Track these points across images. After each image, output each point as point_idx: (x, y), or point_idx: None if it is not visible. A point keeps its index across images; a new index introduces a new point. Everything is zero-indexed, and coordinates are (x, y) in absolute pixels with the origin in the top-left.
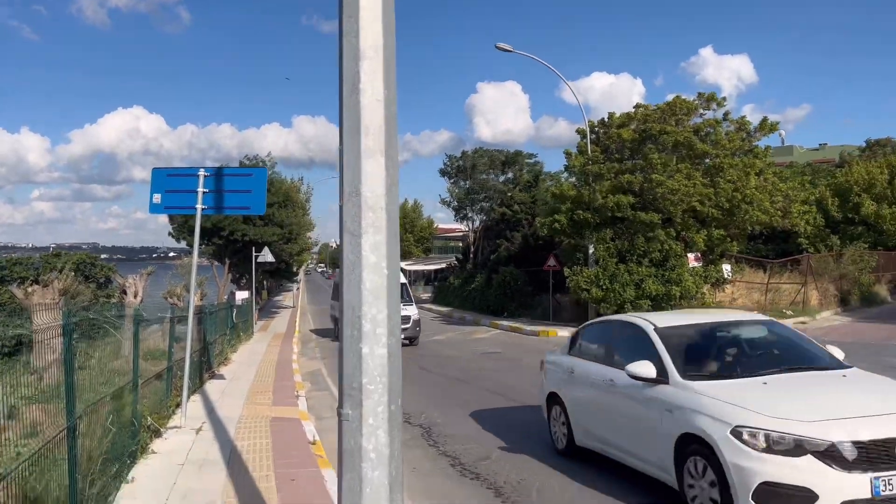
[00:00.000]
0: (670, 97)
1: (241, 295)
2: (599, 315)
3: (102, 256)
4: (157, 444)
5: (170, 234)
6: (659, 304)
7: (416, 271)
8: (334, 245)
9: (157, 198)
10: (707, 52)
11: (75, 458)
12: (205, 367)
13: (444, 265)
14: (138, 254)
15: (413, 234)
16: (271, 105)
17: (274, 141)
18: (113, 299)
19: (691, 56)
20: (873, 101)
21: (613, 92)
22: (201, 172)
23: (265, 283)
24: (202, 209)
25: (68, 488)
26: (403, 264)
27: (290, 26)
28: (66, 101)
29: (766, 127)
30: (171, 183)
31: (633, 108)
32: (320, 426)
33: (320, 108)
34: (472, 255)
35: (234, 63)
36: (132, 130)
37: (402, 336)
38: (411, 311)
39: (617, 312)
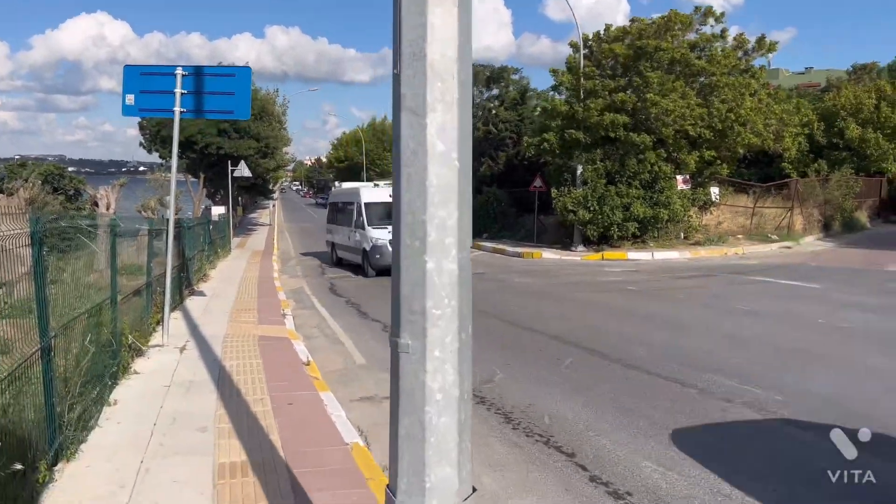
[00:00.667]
0: (667, 12)
1: (217, 210)
2: (586, 238)
3: (70, 169)
4: (139, 364)
5: (141, 144)
6: (645, 226)
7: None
8: (309, 163)
9: (129, 98)
10: None
11: (51, 380)
12: (184, 283)
13: None
14: (107, 167)
15: (390, 151)
16: (242, 13)
17: (246, 52)
18: (84, 212)
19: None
20: (857, 26)
21: (599, 9)
22: (179, 71)
23: (241, 199)
24: (181, 112)
25: (45, 413)
26: (381, 183)
27: None
28: (25, 3)
29: (765, 45)
30: (145, 83)
31: (629, 21)
32: (311, 346)
33: (294, 18)
34: None
35: None
36: (97, 38)
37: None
38: None
39: (603, 235)
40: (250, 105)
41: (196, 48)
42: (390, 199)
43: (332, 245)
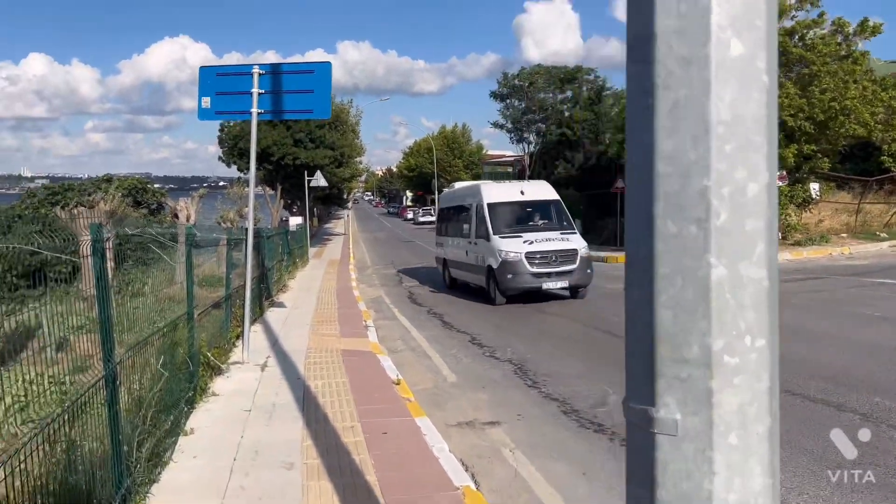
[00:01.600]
0: None
1: (295, 220)
2: None
3: (155, 185)
4: (218, 384)
5: (220, 158)
6: None
7: None
8: (380, 173)
9: (206, 101)
10: None
11: (117, 414)
12: (264, 294)
13: None
14: (190, 183)
15: (462, 159)
16: (315, 31)
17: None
18: (165, 224)
19: None
20: None
21: None
22: (256, 70)
23: (316, 210)
24: (258, 113)
25: (111, 453)
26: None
27: None
28: (115, 31)
29: (868, 29)
30: (221, 84)
31: None
32: (397, 360)
33: (364, 34)
34: (527, 179)
35: None
36: (179, 60)
37: (565, 282)
38: (577, 242)
39: None
40: (330, 103)
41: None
42: (523, 198)
43: (444, 262)
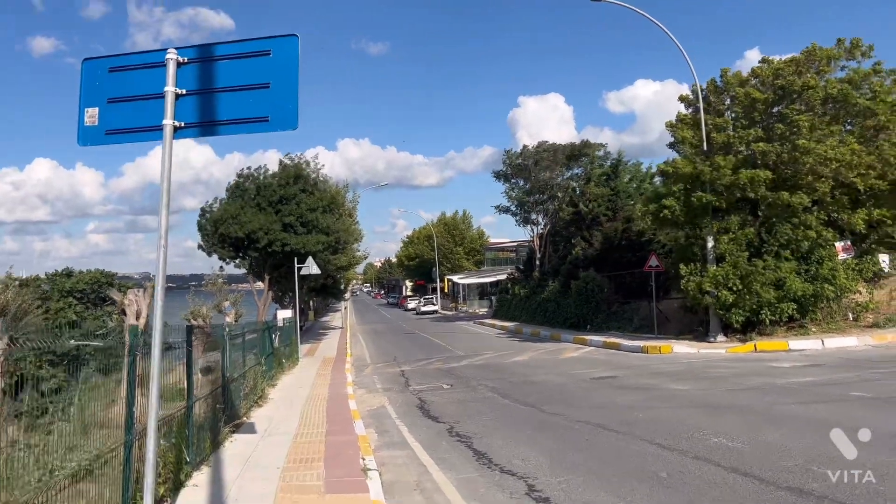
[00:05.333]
0: (807, 46)
1: (284, 314)
2: (726, 325)
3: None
4: None
5: (199, 246)
6: (805, 307)
7: (469, 285)
8: (379, 264)
9: (90, 115)
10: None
11: None
12: (221, 416)
13: (500, 277)
14: (189, 281)
15: (463, 246)
16: (316, 131)
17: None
18: (106, 320)
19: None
20: None
21: (659, 100)
22: (172, 56)
23: (311, 302)
24: (175, 127)
25: None
26: (455, 278)
27: (340, 50)
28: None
29: None
30: (117, 84)
31: (759, 62)
32: None
33: (363, 131)
34: (537, 263)
35: None
36: (182, 162)
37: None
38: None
39: (749, 320)
40: (297, 104)
41: (273, 164)
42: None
43: None
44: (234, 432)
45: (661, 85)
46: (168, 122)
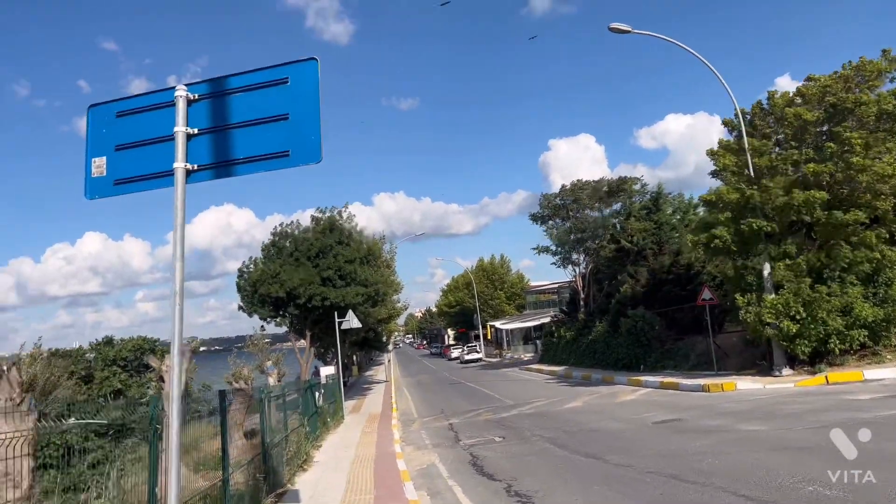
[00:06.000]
0: (855, 61)
1: (326, 371)
2: (790, 357)
3: (202, 349)
4: None
5: (240, 307)
6: (877, 333)
7: (512, 330)
8: (420, 315)
9: (98, 165)
10: (784, 81)
11: None
12: (263, 486)
13: (544, 320)
14: (234, 343)
15: (503, 290)
16: (351, 189)
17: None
18: (148, 389)
19: (768, 87)
20: None
21: (692, 133)
22: (181, 93)
23: (355, 357)
24: (188, 170)
25: None
26: (497, 323)
27: (371, 107)
28: (163, 205)
29: None
30: (125, 129)
31: (805, 80)
32: None
33: (398, 185)
34: (582, 303)
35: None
36: (224, 227)
37: None
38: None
39: (816, 350)
40: (320, 135)
41: (309, 221)
42: None
43: None
44: (277, 502)
45: (693, 118)
46: (179, 165)
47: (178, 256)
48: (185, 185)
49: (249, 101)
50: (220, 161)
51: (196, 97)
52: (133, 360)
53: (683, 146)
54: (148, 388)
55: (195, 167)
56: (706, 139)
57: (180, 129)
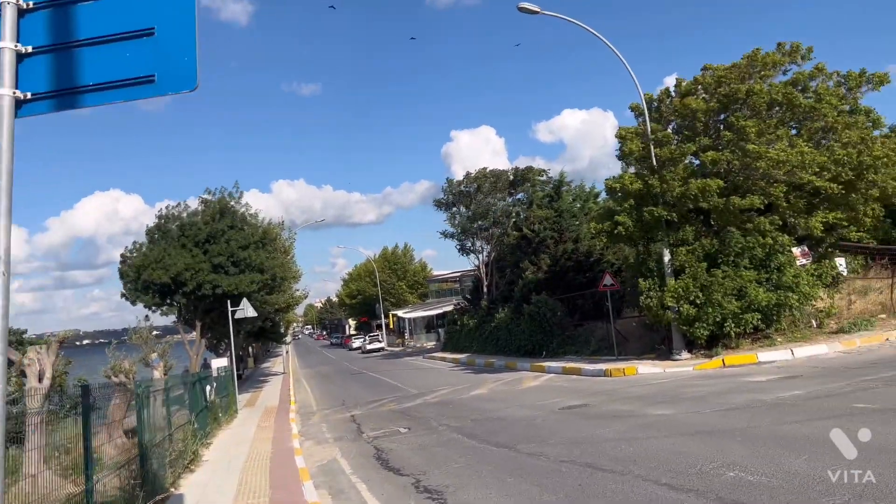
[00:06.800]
0: (749, 51)
1: (218, 363)
2: (689, 341)
3: (85, 342)
4: None
5: (122, 295)
6: (769, 317)
7: (415, 319)
8: (320, 304)
9: None
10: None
11: None
12: (139, 493)
13: (447, 309)
14: (121, 335)
15: (406, 280)
16: (248, 173)
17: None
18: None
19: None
20: None
21: (587, 128)
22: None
23: (250, 348)
24: (17, 99)
25: None
26: (400, 312)
27: (271, 92)
28: (42, 189)
29: (874, 79)
30: None
31: (701, 70)
32: None
33: (298, 172)
34: (485, 291)
35: (210, 133)
36: (110, 213)
37: None
38: None
39: (714, 334)
40: (195, 56)
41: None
42: None
43: None
44: None
45: (588, 113)
46: (6, 91)
47: (4, 212)
48: (14, 119)
49: (104, 11)
50: (63, 88)
51: (30, 6)
52: None
53: (579, 141)
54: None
55: (28, 96)
56: (600, 134)
57: (7, 45)
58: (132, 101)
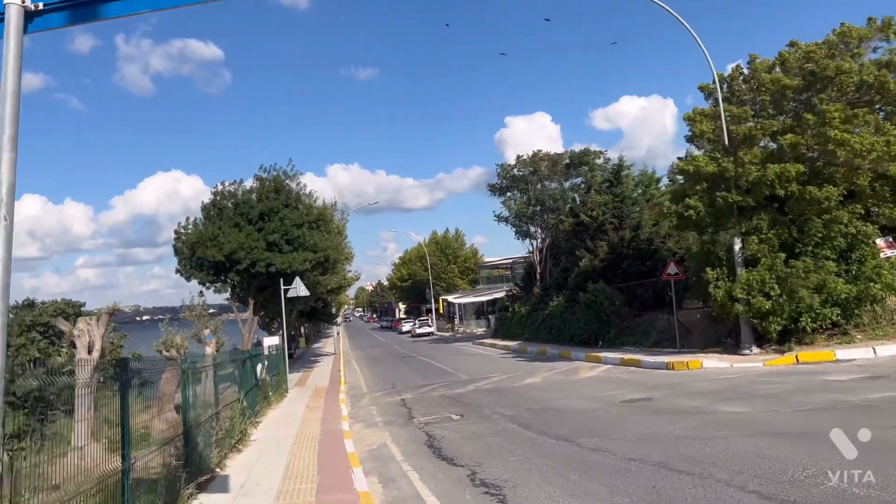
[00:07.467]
0: (837, 27)
1: (270, 341)
2: (757, 333)
3: (145, 317)
4: None
5: (177, 271)
6: (849, 310)
7: (465, 304)
8: (371, 288)
9: None
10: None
11: None
12: (182, 473)
13: (497, 295)
14: (180, 312)
15: (457, 264)
16: (304, 157)
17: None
18: (58, 357)
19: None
20: None
21: (645, 115)
22: None
23: (302, 328)
24: (26, 10)
25: None
26: (450, 297)
27: (328, 77)
28: (108, 169)
29: None
30: None
31: (787, 46)
32: None
33: (352, 156)
34: (538, 278)
35: (269, 117)
36: (171, 193)
37: None
38: None
39: (786, 328)
40: None
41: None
42: None
43: None
44: (200, 491)
45: (647, 100)
46: (13, 0)
47: (10, 120)
48: (22, 34)
49: None
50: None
51: None
52: (56, 325)
53: (637, 128)
54: (59, 356)
55: (40, 6)
56: (659, 122)
57: None
58: (157, 10)
